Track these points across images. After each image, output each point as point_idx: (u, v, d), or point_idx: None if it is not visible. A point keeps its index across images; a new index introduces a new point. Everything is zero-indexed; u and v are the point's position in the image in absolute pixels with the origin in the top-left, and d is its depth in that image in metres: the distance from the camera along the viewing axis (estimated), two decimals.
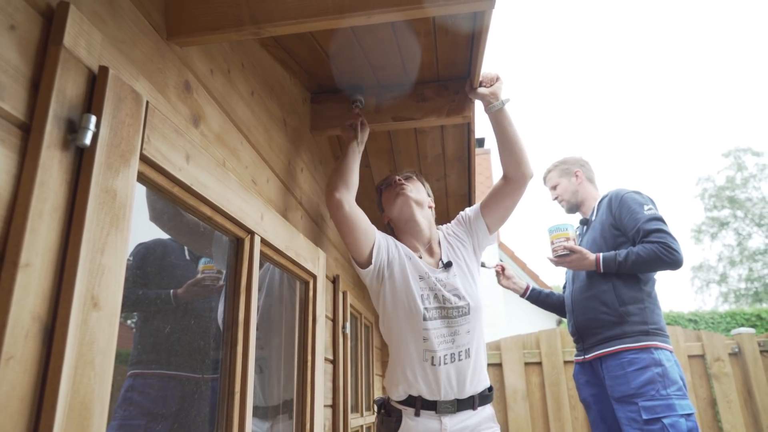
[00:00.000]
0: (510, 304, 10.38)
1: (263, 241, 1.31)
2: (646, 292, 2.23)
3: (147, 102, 0.87)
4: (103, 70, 0.78)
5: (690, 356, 3.92)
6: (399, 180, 1.84)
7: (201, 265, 1.43)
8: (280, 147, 1.70)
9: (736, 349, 3.92)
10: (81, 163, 0.73)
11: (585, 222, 2.55)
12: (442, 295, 1.68)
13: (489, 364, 4.01)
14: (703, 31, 47.65)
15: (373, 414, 2.99)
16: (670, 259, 2.11)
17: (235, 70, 1.40)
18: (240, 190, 1.22)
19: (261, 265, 1.36)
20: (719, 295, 23.66)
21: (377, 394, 3.30)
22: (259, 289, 1.63)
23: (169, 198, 0.98)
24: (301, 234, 1.63)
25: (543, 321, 9.80)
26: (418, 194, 1.85)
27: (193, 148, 1.03)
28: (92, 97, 0.76)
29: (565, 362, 3.95)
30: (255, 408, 1.53)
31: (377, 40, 1.71)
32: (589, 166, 2.62)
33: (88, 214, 0.71)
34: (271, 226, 1.37)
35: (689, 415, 2.01)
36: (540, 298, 2.68)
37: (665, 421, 1.96)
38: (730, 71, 45.52)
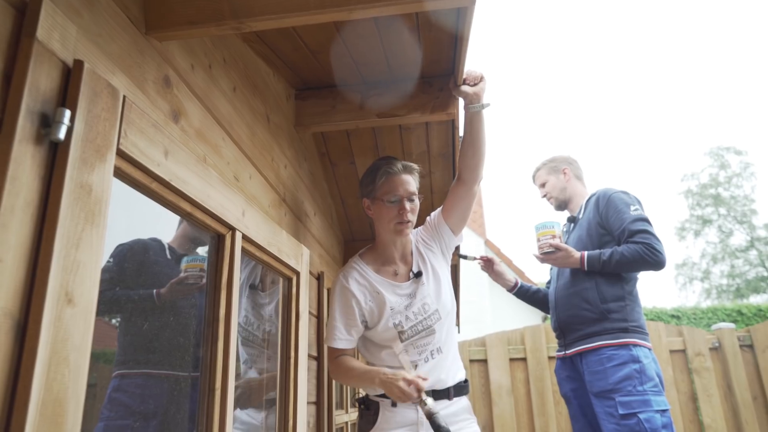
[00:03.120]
0: (496, 300, 10.45)
1: (245, 238, 1.31)
2: (628, 291, 2.26)
3: (124, 97, 0.86)
4: (78, 63, 0.77)
5: (672, 351, 3.97)
6: (407, 213, 1.75)
7: (184, 264, 1.42)
8: (263, 143, 1.69)
9: (717, 344, 3.98)
10: (55, 157, 0.72)
11: (572, 219, 2.58)
12: (413, 313, 1.75)
13: (474, 360, 4.04)
14: (688, 32, 48.19)
15: (357, 411, 2.99)
16: (653, 260, 2.15)
17: (217, 66, 1.39)
18: (221, 186, 1.21)
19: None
20: (702, 291, 24.01)
21: (362, 391, 3.30)
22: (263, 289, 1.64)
23: (147, 194, 0.98)
24: (284, 230, 1.62)
25: (528, 317, 9.88)
26: (415, 218, 1.83)
27: (172, 144, 1.02)
28: (67, 91, 0.75)
29: (550, 358, 3.98)
30: (249, 401, 1.55)
31: (361, 37, 1.71)
32: (577, 165, 2.65)
33: (62, 209, 0.70)
34: (253, 223, 1.36)
35: (664, 411, 2.05)
36: (528, 294, 2.71)
37: (641, 416, 2.00)
38: (715, 71, 46.09)
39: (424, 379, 1.50)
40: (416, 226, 1.97)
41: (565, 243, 2.52)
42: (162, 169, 0.96)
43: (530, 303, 2.72)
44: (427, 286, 1.80)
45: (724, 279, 23.45)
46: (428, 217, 1.97)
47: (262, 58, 1.76)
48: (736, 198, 24.08)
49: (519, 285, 2.71)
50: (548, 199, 2.65)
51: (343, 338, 1.74)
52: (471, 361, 4.03)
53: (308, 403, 2.03)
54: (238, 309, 1.23)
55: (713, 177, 24.60)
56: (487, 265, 2.67)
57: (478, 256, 2.72)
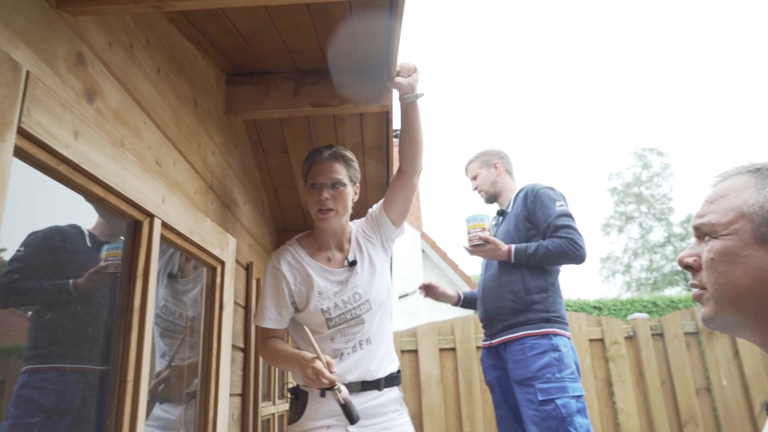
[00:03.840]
0: None
1: (165, 225, 1.27)
2: (551, 283, 2.37)
3: (27, 72, 0.81)
4: None
5: (591, 340, 4.19)
6: (326, 200, 1.74)
7: (104, 252, 1.36)
8: (189, 128, 1.64)
9: (632, 333, 4.23)
10: None
11: (501, 213, 2.66)
12: (343, 300, 1.77)
13: (405, 351, 4.10)
14: (618, 36, 50.60)
15: (287, 402, 2.97)
16: (575, 254, 2.26)
17: (139, 46, 1.33)
18: (139, 170, 1.16)
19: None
20: (623, 284, 25.46)
21: (292, 381, 3.28)
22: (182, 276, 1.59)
23: (54, 176, 0.92)
24: (208, 219, 1.58)
25: (461, 309, 10.12)
26: (346, 207, 1.81)
27: (83, 125, 0.97)
28: None
29: (478, 348, 4.10)
30: (166, 395, 1.50)
31: (294, 24, 1.68)
32: (508, 159, 2.73)
33: None
34: (174, 210, 1.32)
35: (579, 396, 2.15)
36: (472, 302, 2.76)
37: (558, 401, 2.10)
38: (643, 74, 48.68)
39: (331, 371, 1.50)
40: (357, 218, 1.98)
41: (494, 235, 2.60)
42: (71, 151, 0.91)
43: (476, 308, 2.78)
44: (360, 275, 1.81)
45: (644, 273, 24.96)
46: (370, 210, 1.99)
47: (190, 41, 1.70)
48: (656, 196, 25.64)
49: (462, 297, 2.77)
50: (479, 192, 2.72)
51: (272, 318, 1.74)
52: (402, 351, 4.10)
53: (233, 395, 2.00)
54: (155, 299, 1.19)
55: (636, 176, 26.07)
56: (429, 290, 2.72)
57: (417, 288, 2.77)
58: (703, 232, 0.83)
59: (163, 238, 1.28)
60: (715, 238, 0.80)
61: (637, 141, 43.60)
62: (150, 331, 1.15)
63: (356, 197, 1.88)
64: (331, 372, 1.50)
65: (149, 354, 1.14)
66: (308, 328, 1.74)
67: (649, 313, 8.45)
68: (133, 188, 1.13)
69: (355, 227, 1.91)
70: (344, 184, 1.79)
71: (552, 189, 2.47)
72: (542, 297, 2.32)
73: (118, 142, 1.17)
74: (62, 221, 1.23)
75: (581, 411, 2.12)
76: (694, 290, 0.87)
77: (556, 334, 2.24)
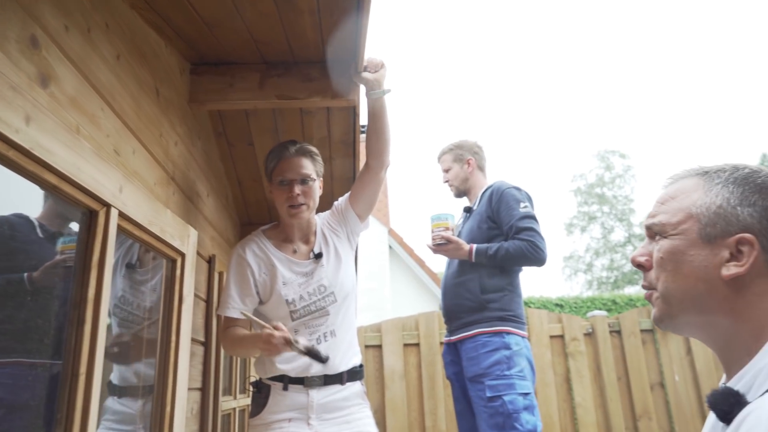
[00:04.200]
0: (396, 287, 10.69)
1: (122, 215, 1.24)
2: (508, 282, 2.38)
3: None
4: None
5: (551, 336, 4.28)
6: (297, 196, 1.75)
7: (61, 245, 1.32)
8: (150, 118, 1.60)
9: (590, 330, 4.35)
10: None
11: (468, 210, 2.67)
12: (308, 293, 1.77)
13: (370, 346, 4.12)
14: (584, 40, 51.65)
15: (248, 396, 2.95)
16: (534, 257, 2.28)
17: (98, 30, 1.29)
18: (95, 159, 1.13)
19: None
20: (585, 282, 26.11)
21: (254, 375, 3.26)
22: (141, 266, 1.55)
23: (4, 163, 0.89)
24: (168, 210, 1.55)
25: (427, 305, 10.20)
26: (315, 201, 1.83)
27: (36, 110, 0.94)
28: None
29: (442, 343, 4.13)
30: (125, 388, 1.47)
31: (260, 14, 1.66)
32: (482, 154, 2.72)
33: None
34: (132, 200, 1.29)
35: (527, 394, 2.18)
36: None
37: (505, 398, 2.13)
38: (608, 78, 49.81)
39: (279, 329, 1.54)
40: (322, 211, 1.97)
41: (460, 232, 2.63)
42: (21, 137, 0.88)
43: None
44: (326, 268, 1.82)
45: (605, 271, 25.65)
46: (336, 203, 1.99)
47: (152, 27, 1.66)
48: (617, 198, 26.36)
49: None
50: (449, 186, 2.73)
51: (236, 307, 1.73)
52: (366, 346, 4.11)
53: (193, 389, 1.97)
54: (110, 290, 1.16)
55: (599, 177, 26.74)
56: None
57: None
58: (654, 232, 0.86)
59: (120, 228, 1.25)
60: (665, 237, 0.83)
61: (600, 143, 44.70)
62: (104, 324, 1.12)
63: (320, 191, 1.88)
64: (280, 330, 1.53)
65: (103, 347, 1.11)
66: (272, 320, 1.73)
67: (609, 310, 8.68)
68: (89, 177, 1.10)
69: (320, 220, 1.91)
70: (313, 179, 1.82)
71: (518, 189, 2.47)
72: (498, 296, 2.34)
73: (74, 128, 1.14)
74: (7, 210, 1.19)
75: (528, 408, 2.15)
76: (646, 291, 0.90)
77: (509, 333, 2.27)
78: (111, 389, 1.39)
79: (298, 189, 1.76)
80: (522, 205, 2.38)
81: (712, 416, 0.78)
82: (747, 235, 0.76)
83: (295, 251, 1.84)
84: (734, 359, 0.79)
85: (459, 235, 2.62)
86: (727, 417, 0.71)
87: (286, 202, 1.76)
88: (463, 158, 2.67)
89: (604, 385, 4.19)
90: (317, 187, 1.85)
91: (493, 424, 2.12)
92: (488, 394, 2.15)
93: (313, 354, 1.53)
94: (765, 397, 0.65)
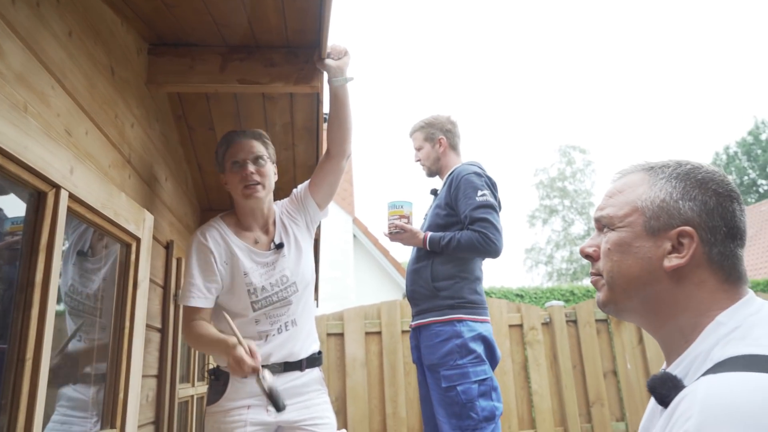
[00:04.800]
0: (360, 276, 10.71)
1: (72, 197, 1.20)
2: (460, 269, 2.32)
3: None
4: None
5: (510, 326, 4.37)
6: (251, 174, 1.73)
7: (9, 226, 1.27)
8: (104, 98, 1.56)
9: (548, 320, 4.45)
10: None
11: (435, 192, 2.62)
12: (270, 283, 1.75)
13: (331, 334, 4.12)
14: (551, 36, 52.41)
15: (206, 384, 2.92)
16: (485, 249, 2.23)
17: (47, 5, 1.24)
18: (44, 138, 1.09)
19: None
20: (545, 273, 26.71)
21: (213, 362, 3.22)
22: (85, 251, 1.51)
23: None
24: (123, 193, 1.51)
25: (390, 294, 10.27)
26: (270, 183, 1.80)
27: None
28: None
29: (403, 332, 4.18)
30: (79, 375, 1.43)
31: None
32: (456, 130, 2.62)
33: None
34: (84, 182, 1.25)
35: (484, 380, 2.16)
36: None
37: (459, 388, 2.13)
38: (570, 73, 50.76)
39: (255, 357, 1.47)
40: (280, 199, 1.95)
41: (425, 215, 2.60)
42: None
43: None
44: (287, 258, 1.80)
45: (564, 263, 26.29)
46: (294, 190, 1.96)
47: (107, 5, 1.60)
48: (578, 191, 26.99)
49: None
50: (421, 165, 2.65)
51: (201, 296, 1.68)
52: (328, 334, 4.11)
53: (148, 376, 1.94)
54: (59, 275, 1.13)
55: (561, 171, 27.32)
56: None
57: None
58: (602, 224, 0.89)
59: (70, 211, 1.21)
60: (613, 229, 0.86)
61: (562, 138, 45.60)
62: (53, 309, 1.09)
63: (276, 177, 1.86)
64: (254, 358, 1.46)
65: (51, 332, 1.08)
66: (232, 311, 1.71)
67: (567, 301, 8.92)
68: (37, 157, 1.06)
69: (278, 208, 1.89)
70: (266, 160, 1.79)
71: (478, 175, 2.37)
72: (449, 284, 2.29)
73: (21, 106, 1.09)
74: None
75: (485, 394, 2.16)
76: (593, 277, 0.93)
77: (460, 320, 2.23)
78: (66, 376, 1.36)
79: (251, 168, 1.73)
80: (480, 193, 2.30)
81: (653, 400, 0.82)
82: (687, 228, 0.79)
83: (256, 241, 1.80)
84: (674, 346, 0.82)
85: (425, 219, 2.59)
86: (665, 401, 0.74)
87: (240, 183, 1.73)
88: (434, 137, 2.58)
89: (560, 372, 4.31)
90: (271, 170, 1.81)
91: (451, 413, 2.14)
92: (443, 385, 2.16)
93: (273, 398, 1.45)
94: (699, 381, 0.69)
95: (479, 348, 2.22)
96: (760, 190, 26.17)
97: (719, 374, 0.67)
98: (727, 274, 0.79)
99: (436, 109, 2.61)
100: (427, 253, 2.38)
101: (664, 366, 0.87)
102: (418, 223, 2.57)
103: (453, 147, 2.60)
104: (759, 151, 26.24)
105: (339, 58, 1.84)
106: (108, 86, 1.58)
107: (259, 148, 1.78)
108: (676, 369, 0.79)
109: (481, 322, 2.30)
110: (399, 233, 2.40)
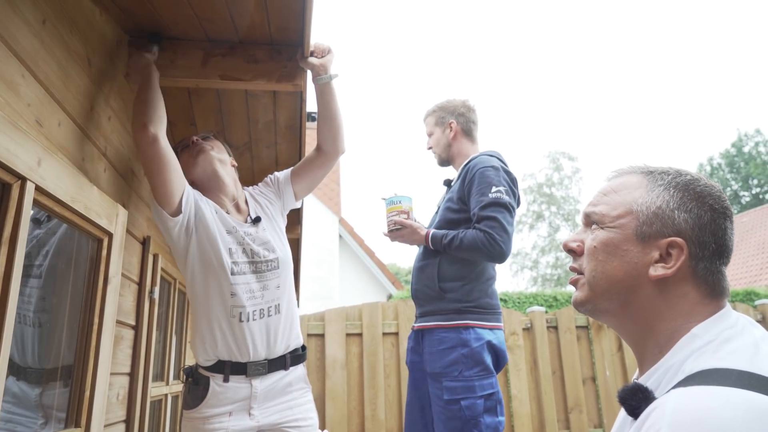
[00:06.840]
0: (345, 276, 10.68)
1: (39, 190, 1.17)
2: (469, 271, 2.10)
3: None
4: None
5: None
6: (197, 139, 1.81)
7: None
8: (80, 89, 1.52)
9: (529, 325, 4.47)
10: None
11: (448, 183, 2.39)
12: (251, 249, 1.69)
13: (312, 335, 4.10)
14: (543, 40, 52.79)
15: (182, 383, 2.88)
16: (488, 252, 2.00)
17: None
18: (9, 128, 1.06)
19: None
20: (530, 278, 26.84)
21: (190, 362, 3.18)
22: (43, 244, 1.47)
23: None
24: (95, 187, 1.48)
25: (375, 296, 10.25)
26: (220, 153, 1.83)
27: None
28: None
29: (385, 334, 4.17)
30: (25, 370, 1.38)
31: None
32: (471, 116, 2.37)
33: None
34: (53, 175, 1.22)
35: (490, 395, 1.96)
36: None
37: (463, 402, 1.92)
38: (561, 81, 51.14)
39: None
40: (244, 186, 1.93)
41: (438, 208, 2.36)
42: None
43: None
44: (267, 232, 1.76)
45: (549, 269, 26.44)
46: (270, 176, 1.94)
47: None
48: (565, 198, 27.17)
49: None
50: (432, 153, 2.42)
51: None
52: (309, 335, 4.09)
53: (119, 374, 1.90)
54: (22, 269, 1.10)
55: (548, 177, 27.48)
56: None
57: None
58: (591, 220, 0.88)
59: (37, 203, 1.18)
60: (602, 228, 0.85)
61: (551, 144, 45.95)
62: (14, 305, 1.06)
63: (236, 168, 1.89)
64: None
65: (12, 327, 1.05)
66: (209, 273, 1.63)
67: (550, 307, 8.95)
68: (2, 147, 1.03)
69: (249, 191, 1.90)
70: (213, 139, 1.86)
71: (495, 169, 2.12)
72: (456, 285, 2.07)
73: None
74: None
75: (490, 410, 1.95)
76: (573, 274, 0.91)
77: (468, 327, 2.01)
78: (20, 372, 1.32)
79: (194, 138, 1.82)
80: (494, 189, 2.05)
81: (623, 410, 0.81)
82: (678, 240, 0.78)
83: (228, 213, 1.75)
84: (647, 355, 0.82)
85: (436, 212, 2.36)
86: (635, 412, 0.73)
87: (191, 156, 1.77)
88: (444, 121, 2.34)
89: (539, 378, 4.32)
90: (221, 146, 1.87)
91: (451, 427, 1.93)
92: (446, 397, 1.95)
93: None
94: (669, 394, 0.68)
95: (488, 358, 1.99)
96: (742, 201, 26.56)
97: (689, 387, 0.66)
98: (710, 289, 0.79)
99: (430, 109, 2.44)
100: (433, 251, 2.16)
101: (636, 375, 0.86)
102: (427, 216, 2.32)
103: (466, 133, 2.35)
104: (742, 163, 26.64)
105: (322, 56, 1.82)
106: (84, 77, 1.55)
107: (211, 140, 1.86)
108: (648, 380, 0.78)
109: (491, 329, 2.06)
110: (398, 230, 2.19)
